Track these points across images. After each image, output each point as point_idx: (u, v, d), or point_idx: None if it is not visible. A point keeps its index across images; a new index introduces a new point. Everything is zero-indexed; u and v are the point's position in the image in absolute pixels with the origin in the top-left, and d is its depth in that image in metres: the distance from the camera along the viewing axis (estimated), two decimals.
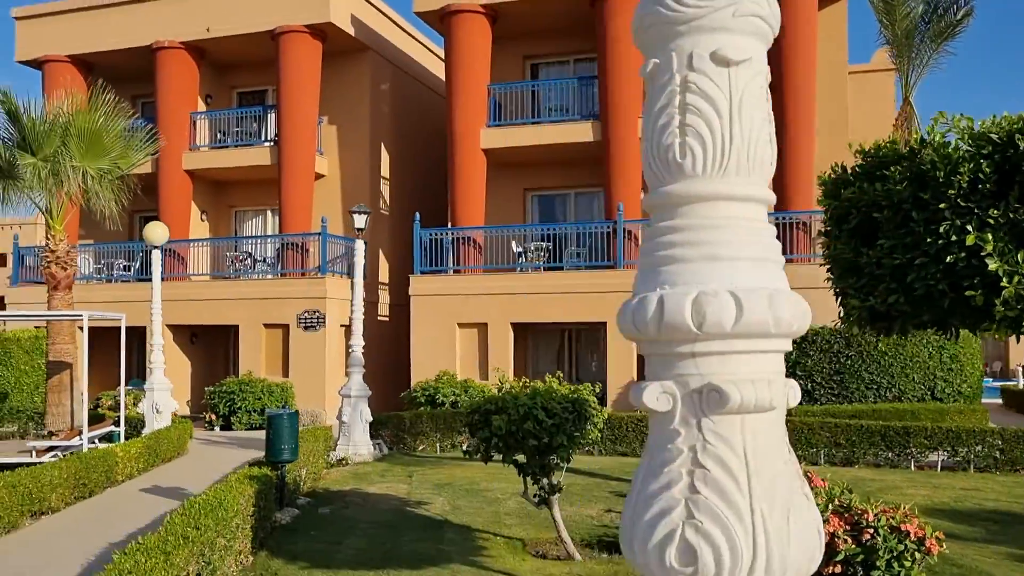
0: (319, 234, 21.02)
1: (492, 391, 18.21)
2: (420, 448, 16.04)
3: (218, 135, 23.76)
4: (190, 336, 23.41)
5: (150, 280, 22.29)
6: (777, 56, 17.22)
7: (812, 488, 5.26)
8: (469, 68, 20.42)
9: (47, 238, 15.68)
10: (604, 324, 18.73)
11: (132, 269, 23.54)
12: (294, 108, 21.71)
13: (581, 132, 20.22)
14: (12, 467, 13.05)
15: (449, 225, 20.80)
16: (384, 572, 7.79)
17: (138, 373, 24.18)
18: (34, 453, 13.13)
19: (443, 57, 26.61)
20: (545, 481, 8.54)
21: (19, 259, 24.36)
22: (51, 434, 15.49)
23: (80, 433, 13.93)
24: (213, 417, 20.15)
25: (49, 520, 10.15)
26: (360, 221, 15.87)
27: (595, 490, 11.61)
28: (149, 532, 6.72)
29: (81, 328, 17.14)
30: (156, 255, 16.29)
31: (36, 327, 22.90)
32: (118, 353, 16.30)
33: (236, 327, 22.31)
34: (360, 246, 15.83)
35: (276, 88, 22.38)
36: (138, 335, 23.27)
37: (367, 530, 9.47)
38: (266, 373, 21.10)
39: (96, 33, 23.45)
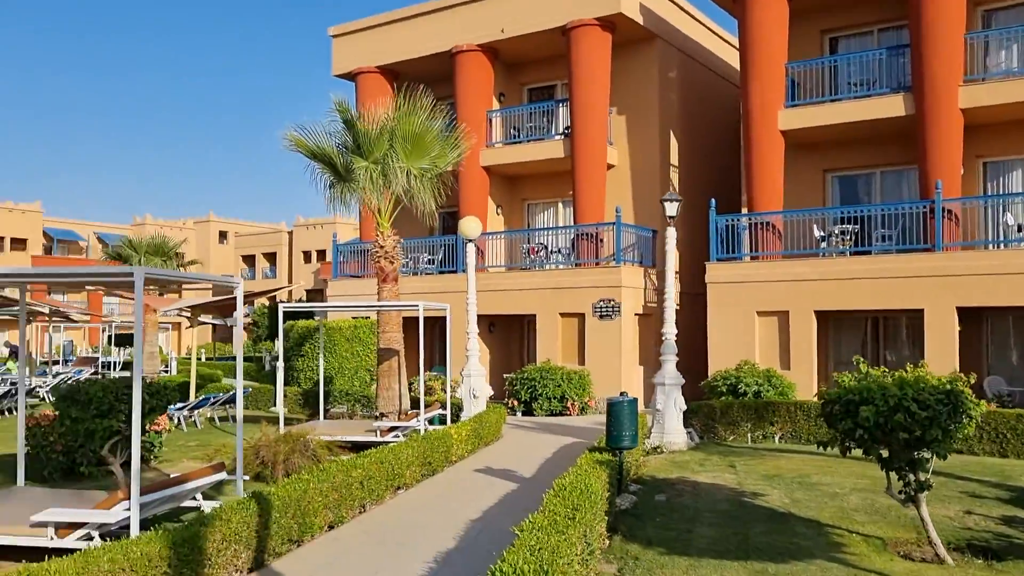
0: (613, 224, 21.25)
1: (789, 382, 17.72)
2: (730, 438, 15.77)
3: (511, 131, 24.68)
4: (488, 325, 24.53)
5: (452, 272, 23.80)
6: None
7: None
8: (766, 47, 19.73)
9: (376, 234, 16.99)
10: (921, 311, 17.44)
11: (435, 262, 25.04)
12: (585, 101, 22.08)
13: (888, 107, 18.91)
14: (364, 445, 14.35)
15: (744, 210, 20.26)
16: (747, 563, 7.68)
17: (439, 360, 25.71)
18: (379, 433, 14.28)
19: (731, 41, 26.06)
20: (912, 477, 8.04)
21: (338, 255, 26.66)
22: (382, 415, 16.82)
23: (417, 415, 15.00)
24: (515, 403, 20.96)
25: (406, 495, 10.98)
26: (671, 209, 15.85)
27: (942, 489, 10.81)
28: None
29: (411, 318, 18.42)
30: (471, 248, 17.17)
31: (354, 318, 25.02)
32: (418, 341, 17.25)
33: (530, 316, 23.09)
34: (672, 234, 15.83)
35: (567, 82, 22.88)
36: (438, 324, 24.70)
37: (711, 519, 9.41)
38: (562, 361, 21.67)
39: (402, 43, 25.16)
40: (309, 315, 33.94)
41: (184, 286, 40.53)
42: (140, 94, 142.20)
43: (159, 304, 24.63)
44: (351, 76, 26.42)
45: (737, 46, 20.89)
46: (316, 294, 60.74)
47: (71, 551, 7.62)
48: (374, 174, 16.10)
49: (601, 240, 22.01)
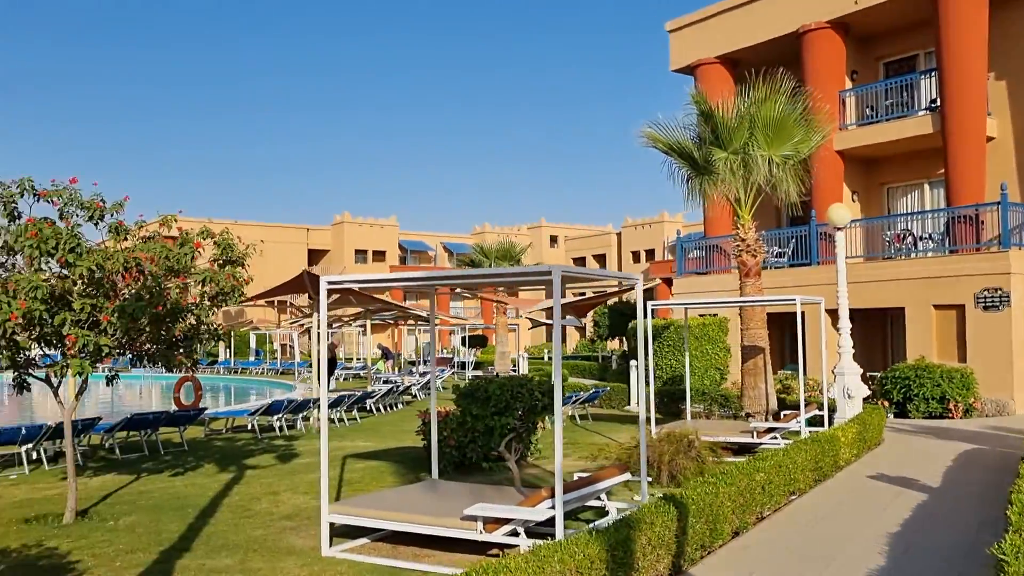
0: (997, 203, 18.87)
1: None
2: None
3: (866, 111, 22.89)
4: None
5: (805, 265, 22.49)
6: None
7: None
8: None
9: (736, 227, 16.37)
10: None
11: (784, 255, 23.84)
12: (958, 68, 19.85)
13: None
14: (744, 447, 13.84)
15: None
16: None
17: (789, 358, 24.43)
18: (755, 434, 13.67)
19: None
20: None
21: (682, 253, 26.30)
22: (748, 416, 16.15)
23: (797, 416, 14.21)
24: (885, 403, 19.30)
25: (800, 502, 10.26)
26: None
27: None
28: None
29: (776, 314, 17.61)
30: (839, 237, 15.99)
31: (701, 315, 24.51)
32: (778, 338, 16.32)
33: (894, 310, 21.16)
34: None
35: (931, 51, 20.77)
36: (787, 321, 23.45)
37: None
38: (938, 358, 19.61)
39: (742, 30, 24.29)
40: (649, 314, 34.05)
41: (521, 289, 42.31)
42: (476, 113, 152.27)
43: (521, 306, 25.72)
44: (690, 69, 25.97)
45: None
46: (646, 293, 61.02)
47: (497, 545, 7.92)
48: (734, 164, 15.52)
49: (982, 222, 19.64)
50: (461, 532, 7.44)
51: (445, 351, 55.52)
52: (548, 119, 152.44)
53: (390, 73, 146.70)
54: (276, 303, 50.81)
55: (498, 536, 7.35)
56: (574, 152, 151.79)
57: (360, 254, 66.12)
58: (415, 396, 26.88)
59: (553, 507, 7.17)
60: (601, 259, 70.82)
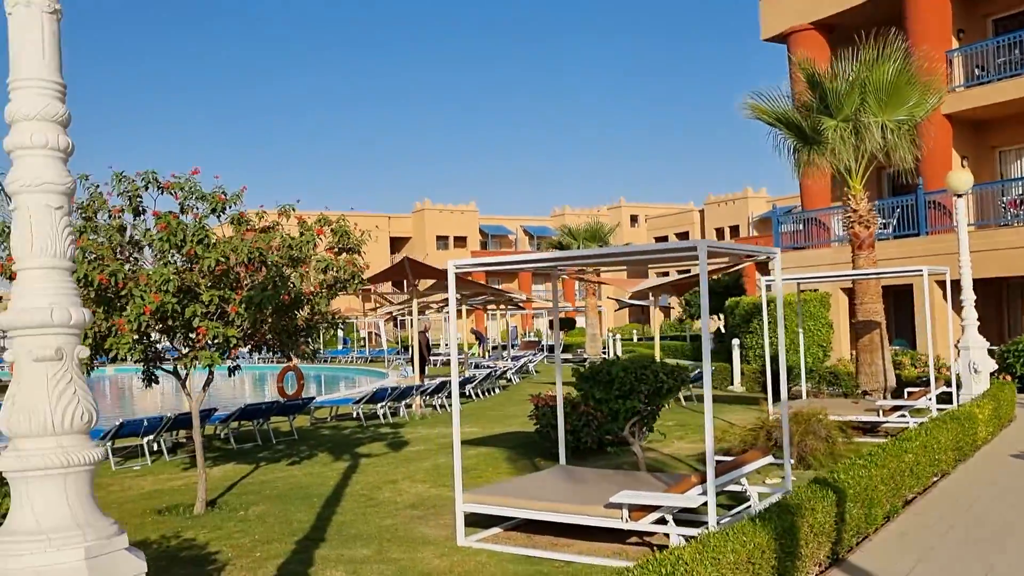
0: None
1: None
2: None
3: (975, 71, 21.78)
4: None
5: (913, 235, 21.56)
6: None
7: None
8: None
9: (846, 198, 15.72)
10: None
11: (889, 226, 22.90)
12: None
13: None
14: (870, 425, 13.32)
15: None
16: None
17: (896, 333, 23.53)
18: (881, 412, 13.11)
19: None
20: None
21: (779, 227, 25.54)
22: (864, 393, 15.53)
23: (927, 393, 13.61)
24: (1006, 377, 18.39)
25: (945, 484, 9.75)
26: None
27: None
28: None
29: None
30: (960, 204, 15.20)
31: (801, 291, 23.75)
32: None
33: (1011, 279, 20.14)
34: None
35: None
36: (891, 294, 22.52)
37: None
38: None
39: None
40: (741, 291, 33.25)
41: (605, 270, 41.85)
42: (553, 89, 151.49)
43: (624, 286, 25.36)
44: (782, 38, 25.09)
45: None
46: (732, 274, 59.80)
47: (637, 533, 7.66)
48: (844, 132, 14.87)
49: None
50: (604, 520, 7.19)
51: (531, 335, 55.46)
52: (625, 97, 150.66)
53: (466, 61, 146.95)
54: (360, 291, 51.38)
55: (644, 524, 7.08)
56: (653, 130, 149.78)
57: (441, 240, 66.46)
58: (510, 381, 26.77)
59: (704, 493, 6.86)
60: (684, 237, 69.71)
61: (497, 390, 23.99)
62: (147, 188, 8.70)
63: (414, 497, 10.22)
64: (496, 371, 24.05)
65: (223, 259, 8.25)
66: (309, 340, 9.82)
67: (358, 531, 8.56)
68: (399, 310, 35.04)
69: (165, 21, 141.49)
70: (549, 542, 7.82)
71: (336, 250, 9.54)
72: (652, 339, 45.92)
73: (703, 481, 6.92)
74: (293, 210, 9.35)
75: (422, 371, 22.94)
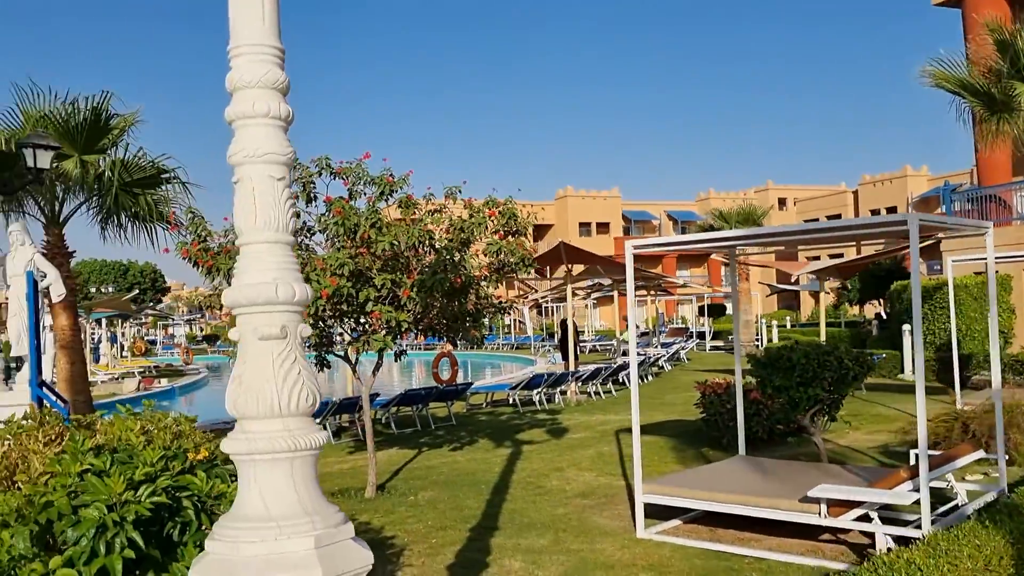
0: None
1: None
2: None
3: None
4: None
5: None
6: None
7: None
8: None
9: None
10: None
11: None
12: None
13: None
14: None
15: None
16: None
17: None
18: None
19: None
20: None
21: (951, 205, 23.92)
22: None
23: None
24: None
25: None
26: None
27: None
28: None
29: None
30: None
31: (976, 273, 22.15)
32: None
33: None
34: None
35: None
36: None
37: None
38: None
39: None
40: (904, 275, 31.37)
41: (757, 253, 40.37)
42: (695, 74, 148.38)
43: (793, 269, 24.41)
44: (955, 2, 23.41)
45: None
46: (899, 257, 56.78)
47: (831, 530, 7.15)
48: None
49: None
50: (799, 515, 6.71)
51: (677, 321, 54.47)
52: (768, 77, 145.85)
53: (617, 52, 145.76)
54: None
55: (844, 521, 6.57)
56: (801, 110, 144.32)
57: (584, 227, 66.07)
58: (662, 368, 26.21)
59: (915, 489, 6.28)
60: (836, 219, 66.82)
61: (650, 377, 23.50)
62: (320, 174, 8.77)
63: (582, 485, 9.98)
64: (649, 358, 23.55)
65: (395, 243, 8.21)
66: (477, 325, 9.70)
67: (530, 519, 8.38)
68: (547, 296, 34.96)
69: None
70: (735, 536, 7.40)
71: (504, 233, 9.38)
72: (807, 325, 44.21)
73: (913, 476, 6.34)
74: (459, 192, 9.23)
75: (574, 357, 22.71)
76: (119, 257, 67.39)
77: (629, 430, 14.10)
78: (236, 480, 3.99)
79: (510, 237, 9.44)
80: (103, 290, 59.26)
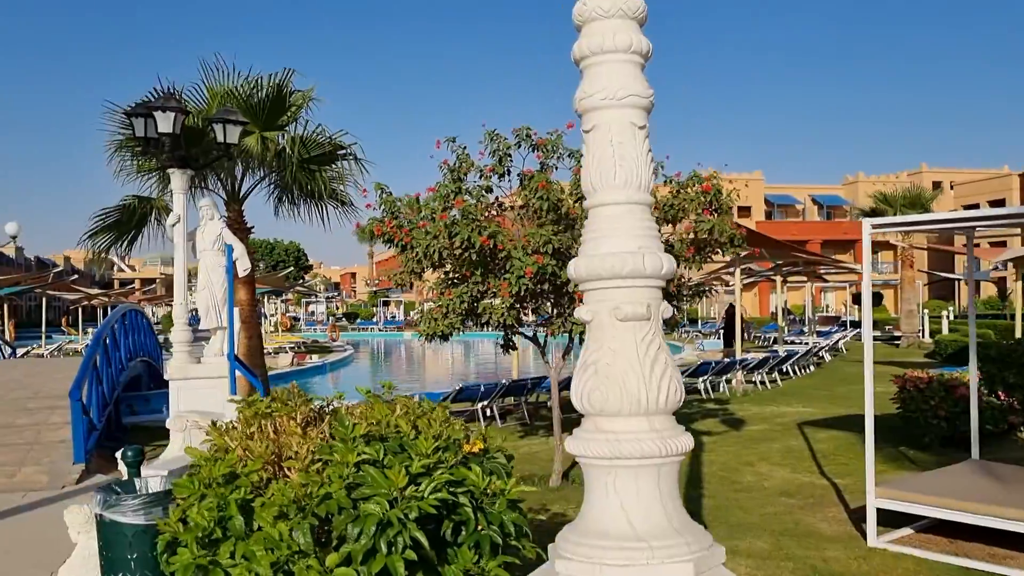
0: None
1: None
2: None
3: None
4: None
5: None
6: None
7: None
8: None
9: None
10: None
11: None
12: None
13: None
14: None
15: None
16: None
17: None
18: None
19: None
20: None
21: None
22: None
23: None
24: None
25: None
26: None
27: None
28: None
29: None
30: None
31: None
32: None
33: None
34: None
35: None
36: None
37: None
38: None
39: None
40: None
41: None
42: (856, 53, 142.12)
43: (987, 256, 22.80)
44: None
45: None
46: None
47: None
48: None
49: None
50: None
51: (824, 309, 52.28)
52: (916, 56, 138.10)
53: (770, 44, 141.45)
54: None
55: None
56: (957, 89, 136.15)
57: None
58: (822, 359, 24.90)
59: None
60: (999, 205, 62.60)
61: (811, 367, 22.34)
62: (519, 146, 8.35)
63: (781, 482, 9.30)
64: (813, 348, 22.40)
65: None
66: (677, 308, 9.11)
67: (739, 519, 7.78)
68: (702, 281, 33.89)
69: None
70: (985, 552, 6.60)
71: (709, 210, 8.74)
72: (981, 317, 41.23)
73: None
74: (662, 167, 8.65)
75: (730, 344, 21.86)
76: (266, 236, 69.85)
77: (811, 423, 13.33)
78: (511, 477, 3.55)
79: (715, 214, 8.80)
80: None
